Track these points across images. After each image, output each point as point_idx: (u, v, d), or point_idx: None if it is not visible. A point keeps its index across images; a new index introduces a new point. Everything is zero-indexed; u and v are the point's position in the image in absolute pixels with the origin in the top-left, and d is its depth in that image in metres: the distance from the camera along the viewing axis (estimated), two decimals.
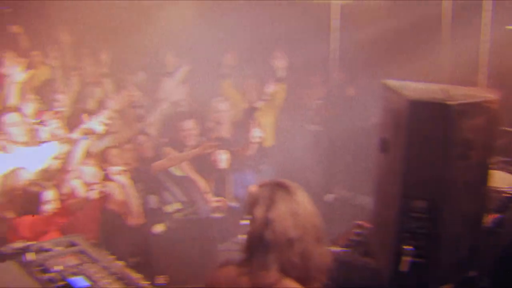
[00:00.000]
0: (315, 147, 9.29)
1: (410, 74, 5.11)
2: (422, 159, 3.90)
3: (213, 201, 7.83)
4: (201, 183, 7.99)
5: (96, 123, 6.74)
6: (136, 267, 6.32)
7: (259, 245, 3.34)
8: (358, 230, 5.14)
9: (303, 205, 3.37)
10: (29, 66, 8.32)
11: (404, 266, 3.97)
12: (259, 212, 3.38)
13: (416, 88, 4.18)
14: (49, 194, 6.42)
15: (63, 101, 8.26)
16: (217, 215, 7.78)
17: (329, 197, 7.31)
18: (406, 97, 3.88)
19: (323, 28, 8.21)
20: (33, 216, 6.26)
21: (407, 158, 3.94)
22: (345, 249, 4.90)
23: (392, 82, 4.35)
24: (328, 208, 7.33)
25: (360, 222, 5.22)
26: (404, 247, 3.99)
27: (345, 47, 7.65)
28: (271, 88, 8.72)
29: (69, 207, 6.15)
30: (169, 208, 7.95)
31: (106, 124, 6.82)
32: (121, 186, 6.74)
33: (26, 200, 6.37)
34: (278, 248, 3.30)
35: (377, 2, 9.25)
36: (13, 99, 7.79)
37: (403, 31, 8.99)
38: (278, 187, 3.42)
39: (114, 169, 6.63)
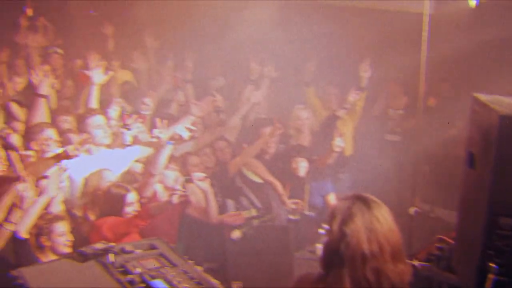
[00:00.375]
0: (393, 157, 9.17)
1: (500, 88, 4.95)
2: (510, 176, 3.80)
3: (290, 203, 7.80)
4: (278, 186, 7.98)
5: (182, 129, 6.79)
6: (212, 273, 6.41)
7: (334, 258, 3.33)
8: (440, 245, 5.04)
9: (381, 221, 3.33)
10: (112, 69, 8.44)
11: (488, 284, 3.88)
12: (336, 224, 3.36)
13: (508, 103, 4.07)
14: (132, 197, 6.52)
15: (149, 104, 8.38)
16: (294, 217, 7.76)
17: (412, 210, 7.18)
18: (497, 112, 3.78)
19: (410, 38, 8.06)
20: (115, 217, 6.36)
21: (495, 174, 3.83)
22: (425, 263, 4.81)
23: (482, 96, 4.25)
24: (408, 221, 7.20)
25: (442, 237, 5.11)
26: (489, 264, 3.89)
27: (431, 57, 7.50)
28: (354, 97, 8.64)
29: (150, 210, 6.21)
30: (245, 214, 7.98)
31: (191, 130, 6.87)
32: (202, 192, 6.79)
33: (109, 201, 6.48)
34: (352, 263, 3.27)
35: (466, 14, 9.06)
36: (95, 102, 7.94)
37: (493, 44, 8.76)
38: (358, 201, 3.39)
39: (196, 175, 6.68)
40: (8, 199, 5.83)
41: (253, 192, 8.10)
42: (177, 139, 6.84)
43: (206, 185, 6.72)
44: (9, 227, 5.43)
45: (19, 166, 5.69)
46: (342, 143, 7.89)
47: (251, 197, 8.08)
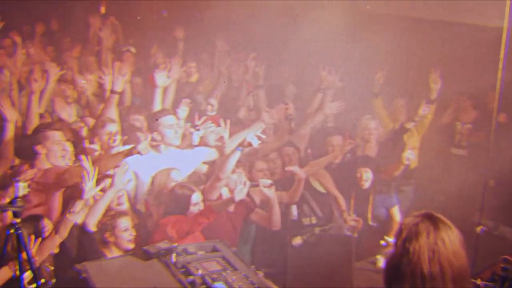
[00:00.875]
0: (459, 172, 9.01)
1: None
2: None
3: (350, 220, 7.75)
4: (341, 200, 7.93)
5: (253, 137, 6.80)
6: (272, 278, 6.43)
7: (396, 274, 3.29)
8: (505, 265, 4.93)
9: (446, 244, 3.24)
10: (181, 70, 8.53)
11: None
12: (400, 240, 3.33)
13: None
14: (197, 197, 6.58)
15: (215, 105, 8.43)
16: (352, 235, 7.69)
17: (478, 229, 7.05)
18: None
19: (486, 52, 7.90)
20: (178, 216, 6.42)
21: None
22: (489, 283, 4.72)
23: None
24: (474, 239, 7.07)
25: (507, 257, 5.01)
26: None
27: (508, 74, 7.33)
28: (425, 110, 8.52)
29: (212, 207, 6.25)
30: (305, 221, 7.96)
31: (260, 138, 6.87)
32: (268, 198, 6.79)
33: (174, 201, 6.55)
34: (412, 281, 3.22)
35: None
36: (168, 102, 8.04)
37: None
38: (427, 220, 3.34)
39: (263, 181, 6.68)
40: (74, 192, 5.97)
41: (316, 201, 8.06)
42: (246, 146, 6.86)
43: (271, 192, 6.72)
44: (72, 218, 5.51)
45: (85, 159, 5.78)
46: (412, 155, 7.80)
47: (312, 205, 8.04)
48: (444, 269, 3.21)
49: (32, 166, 6.43)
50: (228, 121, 7.45)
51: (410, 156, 7.72)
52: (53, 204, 6.28)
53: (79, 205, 5.52)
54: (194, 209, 6.51)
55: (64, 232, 5.50)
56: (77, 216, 5.56)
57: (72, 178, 6.17)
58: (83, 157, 5.76)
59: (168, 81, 7.94)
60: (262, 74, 9.70)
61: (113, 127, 7.22)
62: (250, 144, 6.80)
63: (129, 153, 6.25)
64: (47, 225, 5.65)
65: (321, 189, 8.10)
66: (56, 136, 6.56)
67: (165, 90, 8.12)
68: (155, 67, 8.20)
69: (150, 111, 7.84)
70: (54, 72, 7.89)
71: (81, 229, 5.92)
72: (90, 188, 5.55)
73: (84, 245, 5.93)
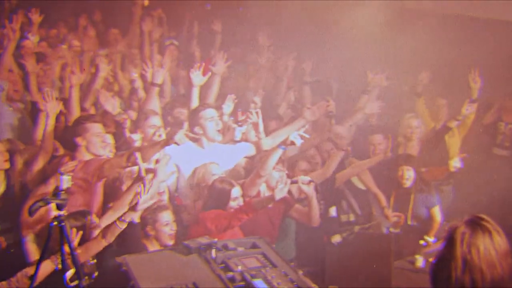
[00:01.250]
0: (500, 172, 8.89)
1: None
2: None
3: (392, 216, 7.71)
4: (381, 197, 7.90)
5: (296, 136, 6.79)
6: (311, 276, 6.43)
7: (434, 278, 3.36)
8: None
9: (480, 252, 3.22)
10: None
11: None
12: (441, 245, 3.33)
13: None
14: (237, 192, 6.59)
15: (258, 103, 8.43)
16: (394, 230, 7.66)
17: None
18: None
19: None
20: (218, 210, 6.45)
21: None
22: None
23: None
24: None
25: None
26: None
27: None
28: (468, 109, 8.42)
29: (252, 204, 6.25)
30: (343, 218, 7.93)
31: (303, 138, 6.86)
32: (307, 196, 6.78)
33: (214, 195, 6.58)
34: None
35: None
36: (213, 96, 8.08)
37: None
38: (466, 226, 3.30)
39: (302, 178, 6.67)
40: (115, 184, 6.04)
41: (355, 198, 8.04)
42: (289, 145, 6.85)
43: (310, 189, 6.70)
44: (121, 225, 5.53)
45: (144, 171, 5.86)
46: (460, 163, 7.72)
47: (351, 202, 8.02)
48: (476, 278, 3.20)
49: (73, 158, 6.51)
50: (259, 112, 7.46)
51: (457, 164, 7.65)
52: (94, 195, 6.36)
53: (131, 215, 5.54)
54: (233, 204, 6.53)
55: (111, 238, 5.53)
56: (126, 224, 5.57)
57: (112, 169, 6.26)
58: (141, 169, 5.85)
59: (204, 79, 7.95)
60: (309, 70, 9.69)
61: (156, 120, 7.28)
62: (293, 143, 6.78)
63: (166, 143, 6.30)
64: (94, 220, 5.71)
65: (361, 186, 8.09)
66: (96, 128, 6.65)
67: (210, 85, 8.16)
68: (191, 65, 8.22)
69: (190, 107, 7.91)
70: (104, 67, 7.99)
71: None
72: (145, 200, 5.57)
73: (128, 236, 5.95)
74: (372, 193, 8.01)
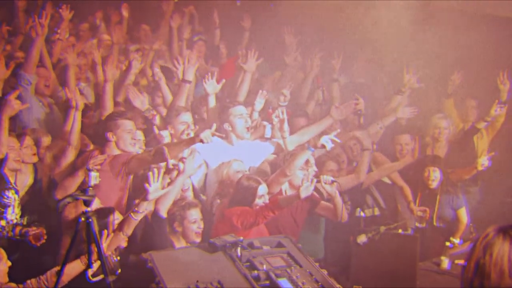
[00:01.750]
0: None
1: None
2: None
3: (417, 210, 7.69)
4: (407, 191, 7.91)
5: (328, 140, 6.77)
6: (335, 275, 6.44)
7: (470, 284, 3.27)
8: None
9: (492, 258, 3.19)
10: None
11: None
12: (473, 250, 3.30)
13: None
14: (263, 189, 6.60)
15: (288, 96, 8.44)
16: (421, 225, 7.63)
17: None
18: None
19: None
20: (243, 207, 6.47)
21: None
22: None
23: None
24: None
25: None
26: None
27: None
28: (497, 111, 8.33)
29: (278, 201, 6.26)
30: (368, 213, 7.93)
31: (334, 142, 6.84)
32: (330, 195, 6.79)
33: (240, 192, 6.59)
34: None
35: None
36: (243, 94, 8.14)
37: None
38: (499, 234, 3.28)
39: (325, 178, 6.67)
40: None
41: (379, 192, 8.04)
42: (320, 148, 6.85)
43: (333, 189, 6.71)
44: (136, 217, 5.55)
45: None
46: (487, 162, 7.68)
47: (376, 196, 8.03)
48: (485, 284, 3.18)
49: (102, 152, 6.59)
50: (284, 111, 7.47)
51: (485, 162, 7.61)
52: (120, 190, 6.44)
53: (143, 205, 5.55)
54: (259, 201, 6.54)
55: (129, 231, 5.57)
56: (141, 215, 5.59)
57: (140, 165, 6.33)
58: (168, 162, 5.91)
59: (218, 87, 7.95)
60: (338, 68, 9.68)
61: (188, 117, 7.33)
62: (323, 146, 6.78)
63: (192, 141, 6.35)
64: (118, 218, 5.75)
65: (386, 179, 8.06)
66: (127, 124, 6.73)
67: (240, 82, 8.18)
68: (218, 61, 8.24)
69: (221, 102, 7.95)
70: (137, 65, 8.06)
71: (153, 214, 6.04)
72: (155, 189, 5.57)
73: (155, 230, 6.04)
74: (398, 187, 8.01)
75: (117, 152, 6.60)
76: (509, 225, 3.29)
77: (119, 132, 6.65)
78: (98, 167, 5.99)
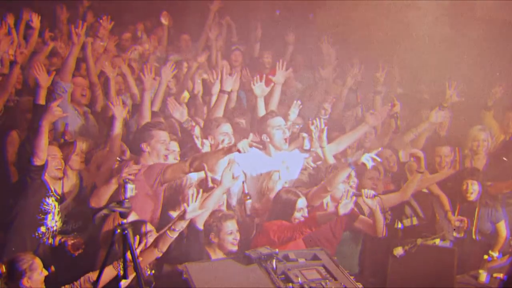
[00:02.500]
0: None
1: None
2: None
3: (455, 220, 7.60)
4: (445, 200, 7.81)
5: (369, 158, 6.71)
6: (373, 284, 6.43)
7: None
8: None
9: None
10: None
11: None
12: None
13: None
14: (302, 202, 6.60)
15: (328, 110, 8.44)
16: (459, 235, 7.55)
17: None
18: None
19: None
20: (281, 221, 6.47)
21: None
22: None
23: None
24: None
25: None
26: None
27: None
28: None
29: (316, 218, 6.24)
30: (406, 223, 7.88)
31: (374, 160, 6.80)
32: (371, 209, 6.76)
33: (279, 205, 6.60)
34: None
35: None
36: (274, 104, 8.13)
37: None
38: None
39: (367, 192, 6.64)
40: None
41: (417, 201, 7.98)
42: (360, 166, 6.82)
43: (374, 203, 6.68)
44: (172, 235, 5.58)
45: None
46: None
47: (414, 205, 7.97)
48: None
49: (137, 162, 6.63)
50: (322, 120, 7.48)
51: None
52: (155, 201, 6.47)
53: (180, 223, 5.59)
54: (298, 214, 6.53)
55: (164, 247, 5.60)
56: (177, 233, 5.62)
57: (175, 174, 6.35)
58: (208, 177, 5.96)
59: (267, 90, 8.02)
60: (382, 80, 9.63)
61: (228, 127, 7.34)
62: (364, 165, 6.73)
63: (229, 151, 6.31)
64: (151, 229, 5.80)
65: (423, 189, 7.99)
66: (162, 135, 6.76)
67: (271, 94, 8.20)
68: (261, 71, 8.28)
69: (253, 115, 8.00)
70: (167, 73, 8.11)
71: (190, 226, 6.03)
72: (193, 209, 5.62)
73: (191, 242, 6.06)
74: (435, 196, 7.92)
75: (151, 162, 6.65)
76: None
77: (153, 143, 6.67)
78: (132, 177, 6.02)
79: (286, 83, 9.70)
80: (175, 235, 5.59)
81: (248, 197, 6.87)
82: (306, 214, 6.57)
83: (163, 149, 6.72)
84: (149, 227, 5.82)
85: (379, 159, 6.75)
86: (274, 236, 6.25)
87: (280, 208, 6.58)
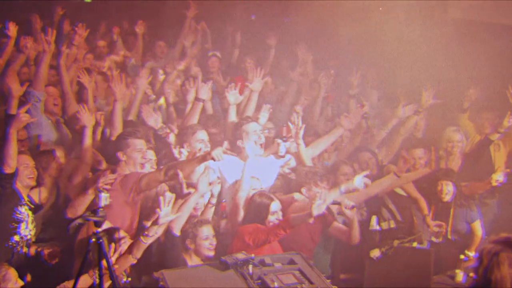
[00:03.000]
0: None
1: None
2: None
3: (434, 224, 7.64)
4: (423, 203, 7.85)
5: (361, 182, 6.84)
6: (347, 283, 6.43)
7: None
8: None
9: None
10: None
11: None
12: (482, 270, 3.35)
13: None
14: (276, 206, 6.63)
15: (300, 113, 8.48)
16: (437, 240, 7.60)
17: None
18: None
19: None
20: (256, 225, 6.50)
21: None
22: None
23: None
24: None
25: None
26: None
27: None
28: (511, 122, 8.25)
29: (290, 220, 6.27)
30: (384, 226, 7.92)
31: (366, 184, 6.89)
32: (349, 218, 6.80)
33: (254, 209, 6.64)
34: None
35: None
36: (251, 111, 8.15)
37: None
38: (508, 248, 3.34)
39: (346, 202, 6.68)
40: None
41: (395, 204, 8.02)
42: (351, 191, 6.94)
43: (352, 213, 6.73)
44: (146, 240, 5.63)
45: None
46: (502, 177, 7.66)
47: (392, 209, 8.01)
48: None
49: (114, 171, 6.62)
50: (300, 119, 7.53)
51: (500, 178, 7.57)
52: (131, 210, 6.44)
53: (154, 229, 5.62)
54: (272, 218, 6.57)
55: (138, 253, 5.63)
56: (151, 239, 5.66)
57: (150, 184, 6.33)
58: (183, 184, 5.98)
59: (240, 98, 8.05)
60: (356, 84, 9.69)
61: (204, 135, 7.36)
62: (355, 189, 6.87)
63: (203, 159, 6.32)
64: (124, 236, 5.81)
65: (400, 192, 8.03)
66: (138, 144, 6.76)
67: (248, 101, 8.22)
68: (229, 83, 8.28)
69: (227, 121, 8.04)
70: (143, 81, 8.10)
71: (166, 232, 6.07)
72: (166, 214, 5.65)
73: (168, 248, 6.09)
74: (413, 199, 7.97)
75: (127, 171, 6.63)
76: (505, 237, 3.42)
77: (129, 152, 6.66)
78: (108, 186, 6.03)
79: (265, 87, 9.80)
80: (149, 240, 5.62)
81: (224, 214, 6.95)
82: (280, 217, 6.60)
83: (139, 158, 6.72)
84: (122, 233, 5.83)
85: (368, 181, 6.89)
86: (249, 239, 6.28)
87: (254, 212, 6.61)
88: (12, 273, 5.26)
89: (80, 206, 6.18)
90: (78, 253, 5.55)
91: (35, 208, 6.59)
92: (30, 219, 6.43)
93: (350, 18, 10.61)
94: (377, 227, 7.48)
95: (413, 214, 7.92)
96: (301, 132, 7.46)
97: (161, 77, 9.59)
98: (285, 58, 11.45)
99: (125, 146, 6.68)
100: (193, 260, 6.24)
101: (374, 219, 7.26)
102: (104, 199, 5.11)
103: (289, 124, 7.53)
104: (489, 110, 9.07)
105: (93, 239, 4.94)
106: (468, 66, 9.24)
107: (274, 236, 6.26)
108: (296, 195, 7.17)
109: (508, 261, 3.31)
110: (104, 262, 5.00)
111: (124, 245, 5.72)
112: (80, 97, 8.35)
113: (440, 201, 7.74)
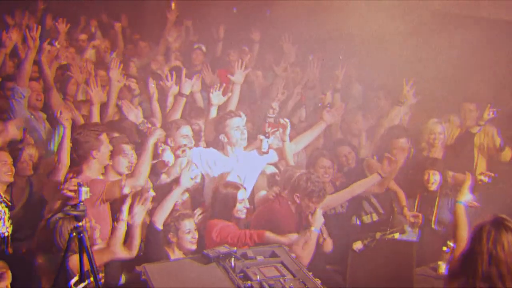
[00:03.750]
0: None
1: None
2: None
3: (410, 215, 7.65)
4: (401, 195, 7.89)
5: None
6: (332, 275, 6.43)
7: (459, 270, 3.91)
8: None
9: (505, 248, 3.74)
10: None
11: None
12: (469, 240, 3.88)
13: None
14: (243, 194, 6.65)
15: (276, 109, 8.48)
16: (413, 231, 7.60)
17: None
18: None
19: None
20: (227, 223, 6.48)
21: None
22: None
23: None
24: None
25: None
26: None
27: None
28: (490, 114, 8.28)
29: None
30: (366, 220, 7.95)
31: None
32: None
33: (221, 200, 6.59)
34: (470, 278, 3.78)
35: None
36: (233, 106, 8.11)
37: None
38: (491, 224, 3.82)
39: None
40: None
41: (376, 197, 8.05)
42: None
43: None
44: (120, 226, 5.72)
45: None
46: (487, 179, 7.58)
47: (373, 202, 8.04)
48: (502, 271, 3.70)
49: (80, 171, 6.43)
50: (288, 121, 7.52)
51: (485, 178, 7.58)
52: (101, 217, 6.27)
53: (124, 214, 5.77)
54: (240, 206, 6.56)
55: (114, 240, 5.80)
56: (124, 223, 5.81)
57: (110, 195, 6.21)
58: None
59: (223, 99, 8.02)
60: (341, 78, 9.70)
61: (188, 130, 7.31)
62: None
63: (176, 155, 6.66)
64: (96, 226, 5.83)
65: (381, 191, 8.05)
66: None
67: (231, 94, 8.18)
68: (211, 86, 8.23)
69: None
70: (115, 73, 7.93)
71: (149, 226, 6.10)
72: (139, 210, 5.79)
73: (151, 242, 6.10)
74: (392, 191, 7.98)
75: (96, 170, 6.48)
76: (499, 217, 3.88)
77: (103, 148, 6.45)
78: (72, 193, 5.94)
79: (256, 82, 9.80)
80: (122, 224, 5.75)
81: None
82: (248, 205, 6.63)
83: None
84: (94, 223, 5.81)
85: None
86: (216, 237, 6.26)
87: (221, 203, 6.57)
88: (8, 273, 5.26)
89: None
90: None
91: (10, 206, 6.54)
92: (7, 216, 6.36)
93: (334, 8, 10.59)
94: (358, 222, 7.56)
95: (394, 205, 7.94)
96: (288, 129, 7.46)
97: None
98: (269, 52, 11.47)
99: (97, 143, 6.45)
100: (175, 254, 6.23)
101: (357, 243, 7.21)
102: (85, 193, 5.05)
103: (281, 120, 7.53)
104: (470, 102, 9.09)
105: (74, 233, 4.93)
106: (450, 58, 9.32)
107: (242, 244, 6.17)
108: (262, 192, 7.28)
109: (487, 235, 3.80)
110: (85, 256, 4.99)
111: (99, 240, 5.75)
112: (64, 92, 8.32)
113: (425, 190, 7.77)
